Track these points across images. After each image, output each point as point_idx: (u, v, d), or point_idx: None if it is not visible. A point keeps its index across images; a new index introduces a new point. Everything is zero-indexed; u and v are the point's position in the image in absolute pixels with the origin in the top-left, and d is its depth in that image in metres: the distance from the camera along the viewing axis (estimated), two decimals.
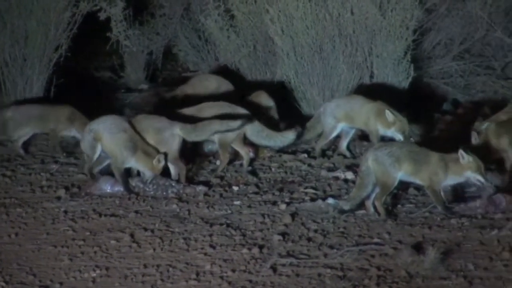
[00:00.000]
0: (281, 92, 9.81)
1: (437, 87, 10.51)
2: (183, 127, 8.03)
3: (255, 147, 8.65)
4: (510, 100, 9.18)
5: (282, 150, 8.80)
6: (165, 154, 7.90)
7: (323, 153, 8.81)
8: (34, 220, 7.29)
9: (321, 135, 8.79)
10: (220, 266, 6.33)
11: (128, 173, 8.03)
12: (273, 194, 7.83)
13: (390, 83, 9.57)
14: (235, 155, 8.60)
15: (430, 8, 10.19)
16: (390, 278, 6.06)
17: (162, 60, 11.62)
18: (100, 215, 7.34)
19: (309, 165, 8.55)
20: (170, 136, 8.02)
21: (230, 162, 8.52)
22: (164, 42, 11.49)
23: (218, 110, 8.33)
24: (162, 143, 8.00)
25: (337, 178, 8.17)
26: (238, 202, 7.62)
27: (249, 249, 6.58)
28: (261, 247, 6.60)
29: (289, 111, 9.54)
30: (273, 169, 8.51)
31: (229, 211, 7.42)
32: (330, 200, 7.45)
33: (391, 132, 8.45)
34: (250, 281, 6.10)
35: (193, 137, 8.11)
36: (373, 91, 9.15)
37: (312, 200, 7.58)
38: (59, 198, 7.80)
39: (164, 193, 7.85)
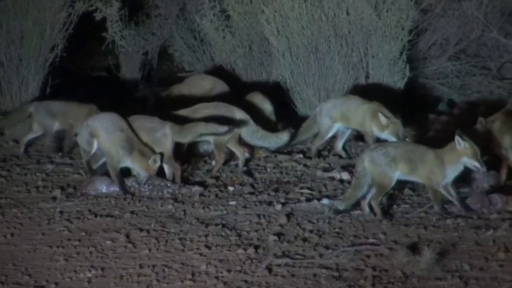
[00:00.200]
0: (277, 92, 9.81)
1: (433, 88, 10.52)
2: (172, 127, 8.02)
3: (250, 147, 8.65)
4: (508, 100, 9.10)
5: (277, 151, 8.79)
6: (161, 155, 7.90)
7: (319, 154, 8.81)
8: (30, 221, 7.28)
9: (317, 135, 8.80)
10: (215, 266, 6.32)
11: (128, 173, 8.03)
12: (269, 194, 7.82)
13: (385, 83, 9.58)
14: (231, 156, 8.60)
15: (425, 8, 10.19)
16: (386, 279, 6.06)
17: (157, 60, 11.61)
18: (96, 215, 7.33)
19: (305, 165, 8.55)
20: (162, 136, 8.00)
21: (226, 162, 8.52)
22: (160, 42, 11.49)
23: (213, 111, 8.33)
24: (154, 143, 7.99)
25: (332, 178, 8.17)
26: (233, 203, 7.62)
27: (245, 249, 6.57)
28: (256, 248, 6.60)
29: (284, 112, 9.54)
30: (268, 170, 8.50)
31: (224, 212, 7.42)
32: (325, 201, 7.43)
33: (385, 135, 8.42)
34: (246, 281, 6.10)
35: (179, 138, 8.08)
36: (368, 92, 9.15)
37: (308, 200, 7.58)
38: (54, 198, 7.78)
39: (160, 193, 7.84)
